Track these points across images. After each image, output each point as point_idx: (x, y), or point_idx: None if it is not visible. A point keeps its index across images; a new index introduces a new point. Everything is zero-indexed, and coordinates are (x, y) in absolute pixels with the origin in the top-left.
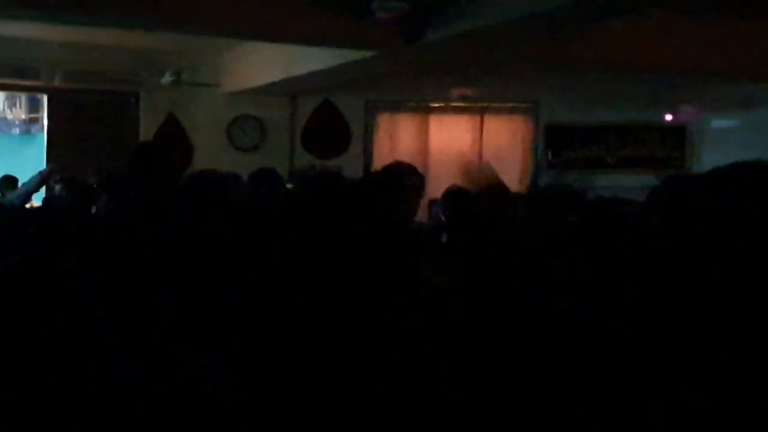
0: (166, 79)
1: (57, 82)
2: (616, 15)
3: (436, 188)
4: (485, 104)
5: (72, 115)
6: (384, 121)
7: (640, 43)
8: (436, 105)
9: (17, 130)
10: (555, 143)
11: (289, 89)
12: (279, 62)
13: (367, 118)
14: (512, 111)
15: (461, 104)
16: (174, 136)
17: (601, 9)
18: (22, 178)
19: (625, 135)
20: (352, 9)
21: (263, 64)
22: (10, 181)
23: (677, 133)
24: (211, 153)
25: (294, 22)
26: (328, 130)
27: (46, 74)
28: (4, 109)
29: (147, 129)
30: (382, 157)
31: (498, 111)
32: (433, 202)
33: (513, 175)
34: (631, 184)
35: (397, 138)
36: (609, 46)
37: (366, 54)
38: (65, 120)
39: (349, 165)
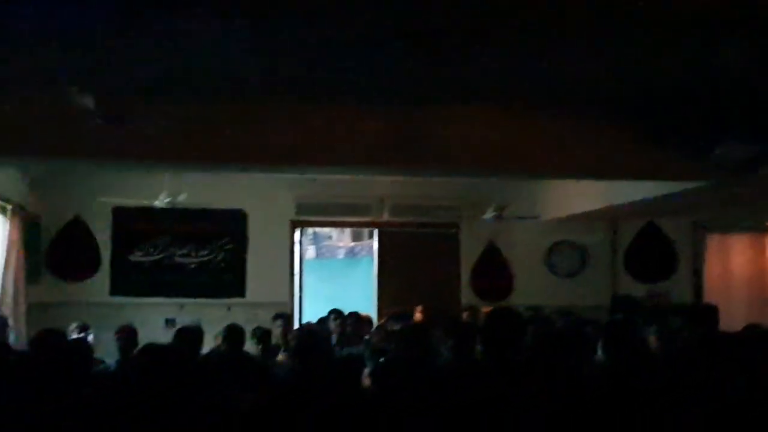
0: (488, 215)
1: (385, 216)
2: None
3: None
4: None
5: (398, 245)
6: (714, 242)
7: None
8: None
9: (342, 254)
10: None
11: (609, 215)
12: (599, 192)
13: (696, 239)
14: None
15: None
16: (494, 264)
17: None
18: (350, 298)
19: None
20: (685, 146)
21: (583, 193)
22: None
23: None
24: (530, 280)
25: (623, 159)
26: (653, 254)
27: (376, 210)
28: (331, 236)
29: (467, 257)
30: (713, 281)
31: None
32: None
33: None
34: None
35: (729, 260)
36: None
37: (696, 185)
38: (392, 248)
39: (677, 289)
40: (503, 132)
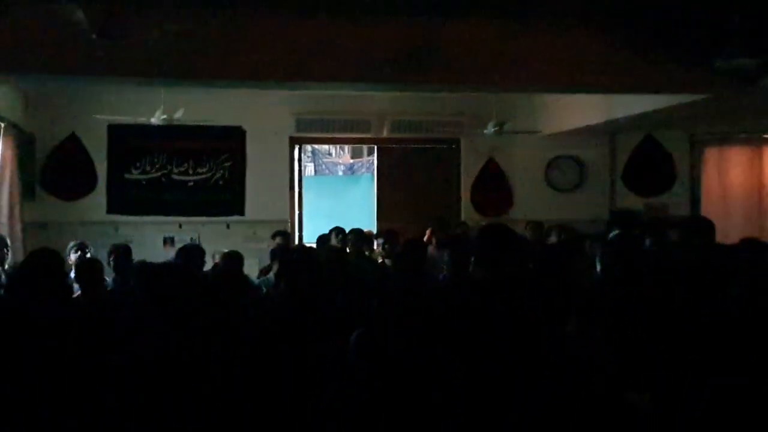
0: (489, 130)
1: (385, 132)
2: None
3: None
4: None
5: (398, 161)
6: (712, 155)
7: None
8: None
9: (341, 171)
10: None
11: (609, 128)
12: (599, 106)
13: (693, 152)
14: None
15: None
16: (494, 179)
17: None
18: (349, 215)
19: None
20: (686, 58)
21: (583, 107)
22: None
23: None
24: (530, 194)
25: (623, 72)
26: (651, 167)
27: (376, 126)
28: (330, 153)
29: (467, 172)
30: (710, 194)
31: None
32: None
33: None
34: None
35: (726, 173)
36: None
37: (696, 97)
38: (392, 165)
39: (674, 203)
40: (505, 45)
